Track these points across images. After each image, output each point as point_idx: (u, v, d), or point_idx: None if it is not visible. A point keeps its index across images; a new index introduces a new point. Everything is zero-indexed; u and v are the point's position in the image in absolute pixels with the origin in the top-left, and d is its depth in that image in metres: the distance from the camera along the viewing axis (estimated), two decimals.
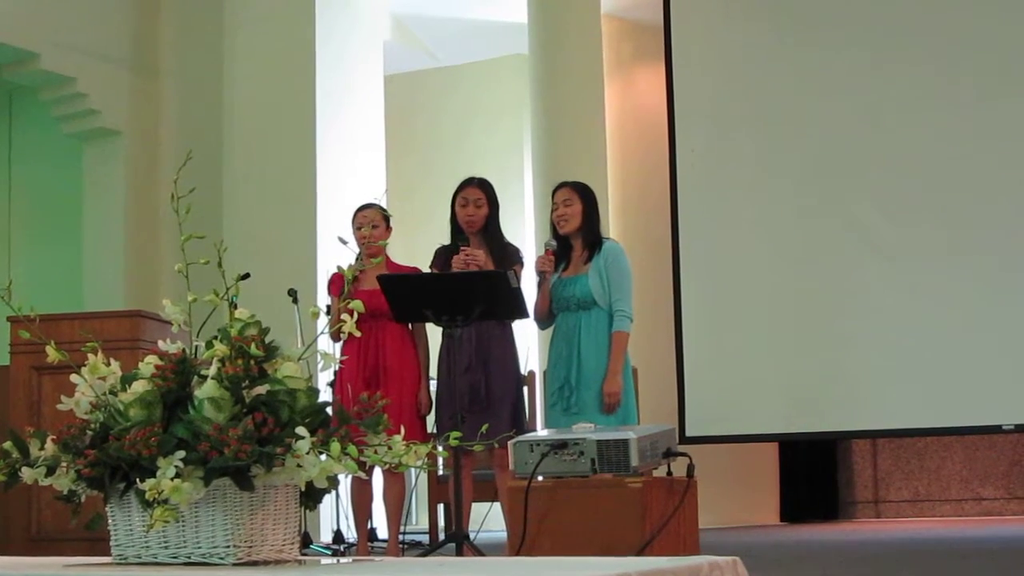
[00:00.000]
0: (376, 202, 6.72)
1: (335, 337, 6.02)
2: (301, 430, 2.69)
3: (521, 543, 4.68)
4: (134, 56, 10.08)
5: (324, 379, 7.28)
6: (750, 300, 8.39)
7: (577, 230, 6.30)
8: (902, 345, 7.97)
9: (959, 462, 10.67)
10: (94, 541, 3.66)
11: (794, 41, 8.50)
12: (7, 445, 2.89)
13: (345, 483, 6.54)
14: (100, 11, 9.83)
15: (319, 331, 3.17)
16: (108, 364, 2.89)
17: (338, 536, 8.09)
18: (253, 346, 2.78)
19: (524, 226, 10.26)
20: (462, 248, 6.31)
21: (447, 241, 6.51)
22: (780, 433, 8.88)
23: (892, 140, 8.12)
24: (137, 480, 2.67)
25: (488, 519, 7.05)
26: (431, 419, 6.43)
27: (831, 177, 8.26)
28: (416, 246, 8.01)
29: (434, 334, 6.29)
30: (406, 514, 6.97)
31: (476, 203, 6.44)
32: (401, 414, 6.05)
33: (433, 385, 6.52)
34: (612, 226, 9.46)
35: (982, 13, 8.00)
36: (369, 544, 6.85)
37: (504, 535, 6.37)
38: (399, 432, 2.82)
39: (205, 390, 2.74)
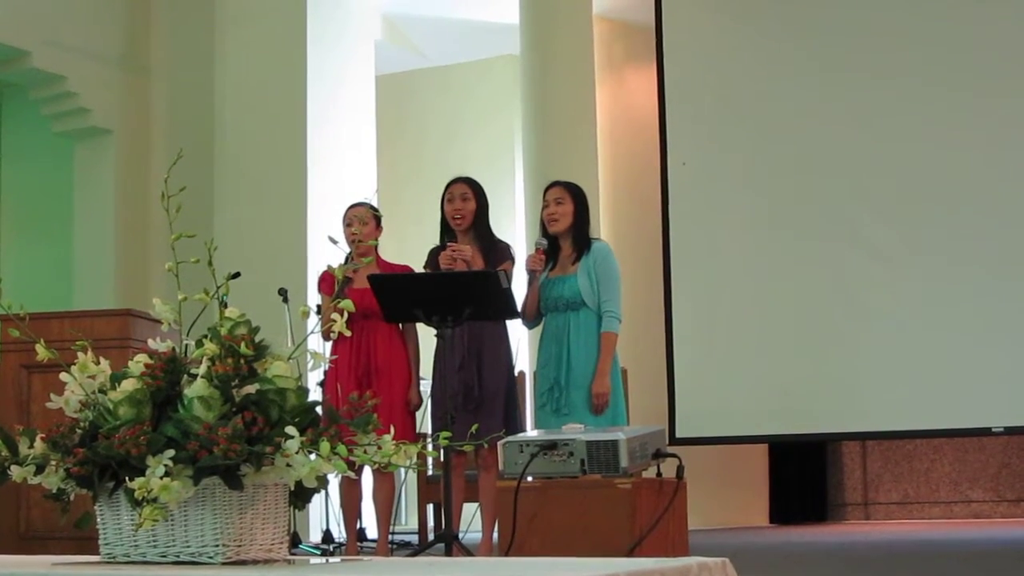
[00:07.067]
0: (367, 201, 6.72)
1: (326, 336, 6.02)
2: (291, 429, 2.69)
3: (510, 543, 4.68)
4: (125, 55, 10.07)
5: (314, 378, 7.28)
6: (741, 301, 8.39)
7: (567, 230, 6.31)
8: (892, 347, 7.98)
9: (949, 464, 10.69)
10: (83, 540, 3.65)
11: (785, 43, 8.50)
12: None
13: (334, 483, 6.54)
14: (92, 10, 9.82)
15: (309, 330, 3.16)
16: (98, 363, 2.88)
17: (327, 536, 8.09)
18: (243, 345, 2.78)
19: (514, 226, 10.27)
20: (449, 245, 6.32)
21: (438, 240, 6.51)
22: (770, 435, 8.89)
23: (886, 143, 8.13)
24: (126, 479, 2.67)
25: (477, 519, 7.05)
26: (425, 419, 6.44)
27: (823, 179, 8.26)
28: (407, 245, 8.01)
29: (428, 333, 6.29)
30: (395, 514, 6.97)
31: (462, 197, 6.45)
32: (391, 414, 6.05)
33: (427, 384, 6.53)
34: (602, 227, 9.47)
35: (979, 18, 8.01)
36: (358, 544, 6.85)
37: (478, 536, 6.39)
38: (389, 432, 2.82)
39: (195, 389, 2.74)
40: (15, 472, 2.85)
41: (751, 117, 8.51)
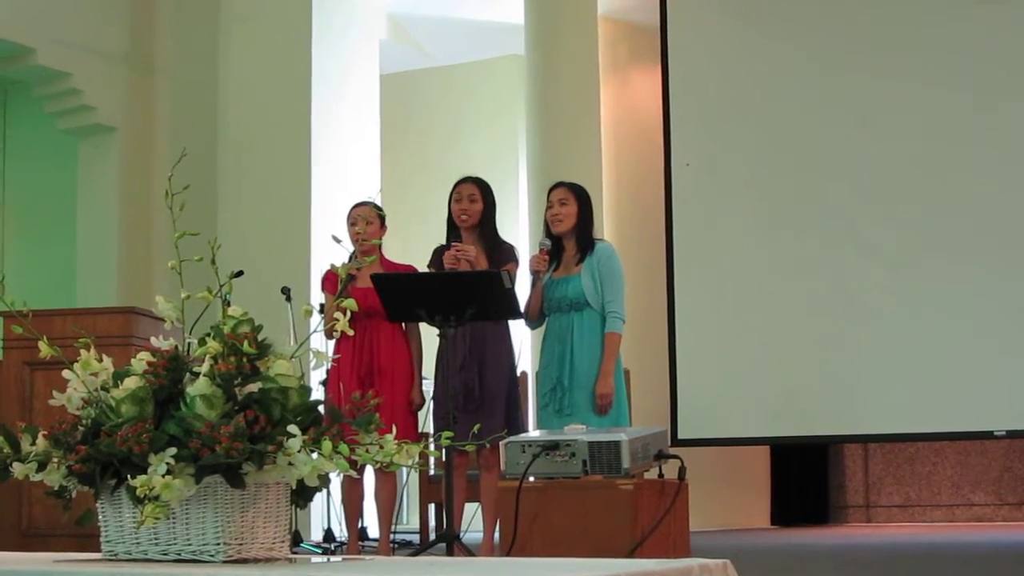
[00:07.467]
0: (371, 200, 6.72)
1: (329, 335, 6.03)
2: (293, 428, 2.69)
3: (512, 543, 4.68)
4: (130, 52, 10.07)
5: (317, 377, 7.28)
6: (744, 303, 8.39)
7: (571, 230, 6.31)
8: (895, 350, 7.97)
9: (950, 467, 10.68)
10: (84, 537, 3.65)
11: (790, 45, 8.51)
12: None
13: (336, 482, 6.54)
14: (96, 7, 9.82)
15: (312, 329, 3.16)
16: (100, 360, 2.89)
17: (329, 535, 8.08)
18: (246, 344, 2.78)
19: (518, 226, 10.26)
20: (453, 244, 6.32)
21: (444, 239, 6.51)
22: (772, 436, 8.88)
23: (889, 144, 8.13)
24: (128, 476, 2.67)
25: (478, 519, 7.06)
26: (427, 418, 6.44)
27: (827, 180, 8.27)
28: (411, 245, 8.01)
29: (431, 333, 6.29)
30: (397, 513, 6.97)
31: (470, 198, 6.45)
32: (393, 413, 6.05)
33: (429, 384, 6.53)
34: (606, 227, 9.46)
35: (980, 19, 8.01)
36: (360, 543, 6.85)
37: (480, 536, 6.39)
38: (391, 431, 2.82)
39: (197, 387, 2.74)
40: (17, 469, 2.85)
41: (755, 118, 8.51)
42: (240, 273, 4.50)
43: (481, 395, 6.25)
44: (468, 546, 5.92)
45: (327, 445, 2.68)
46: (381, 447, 2.78)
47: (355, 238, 6.44)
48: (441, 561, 3.48)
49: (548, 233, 6.36)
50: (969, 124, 7.97)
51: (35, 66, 9.44)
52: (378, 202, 6.80)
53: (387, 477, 6.42)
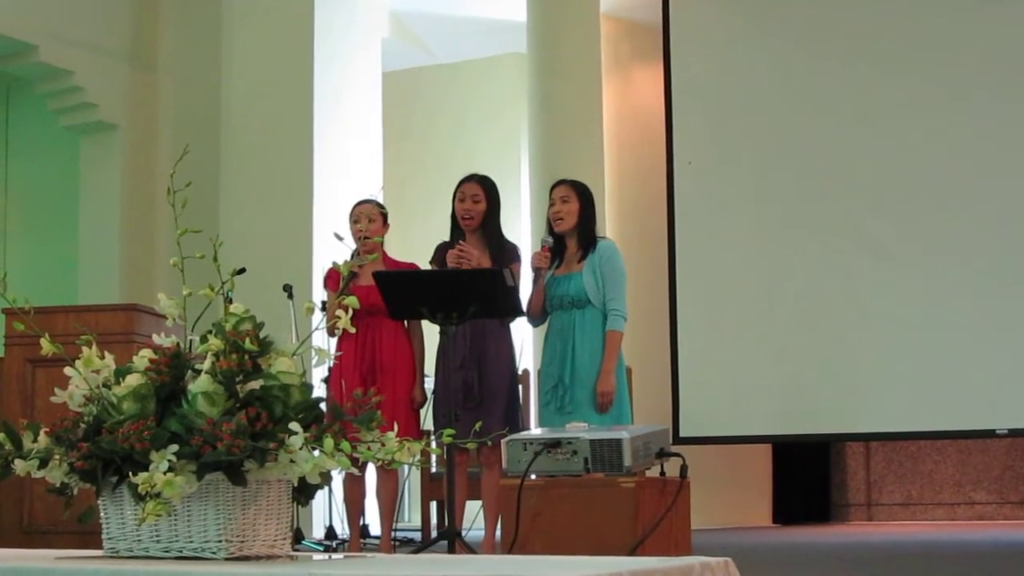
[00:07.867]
0: (373, 198, 6.72)
1: (331, 332, 6.03)
2: (294, 425, 2.69)
3: (513, 541, 4.68)
4: (132, 49, 10.07)
5: (318, 375, 7.29)
6: (745, 300, 8.39)
7: (573, 228, 6.31)
8: (896, 348, 7.97)
9: (952, 466, 10.68)
10: (86, 534, 3.65)
11: (792, 43, 8.50)
12: (0, 437, 2.88)
13: (338, 479, 6.54)
14: (99, 4, 9.82)
15: (314, 327, 3.16)
16: (102, 357, 2.89)
17: (331, 532, 8.09)
18: (247, 341, 2.78)
19: (520, 224, 10.26)
20: (457, 244, 6.32)
21: (446, 237, 6.51)
22: (774, 435, 8.89)
23: (892, 143, 8.13)
24: (130, 474, 2.67)
25: (480, 517, 7.06)
26: (429, 416, 6.44)
27: (828, 180, 8.26)
28: (413, 242, 8.01)
29: (433, 331, 6.29)
30: (398, 511, 6.97)
31: (473, 198, 6.44)
32: (395, 411, 6.05)
33: (430, 382, 6.53)
34: (608, 225, 9.46)
35: (981, 21, 8.00)
36: (362, 541, 6.85)
37: (481, 533, 6.39)
38: (393, 429, 2.82)
39: (199, 384, 2.74)
40: (19, 466, 2.85)
41: (757, 116, 8.51)
42: (242, 270, 4.50)
43: (481, 393, 6.25)
44: (469, 544, 5.92)
45: (329, 442, 2.68)
46: (383, 444, 2.78)
47: (357, 235, 6.44)
48: (442, 559, 3.49)
49: (550, 231, 6.36)
50: (970, 125, 7.96)
51: (37, 63, 9.44)
52: (380, 199, 6.80)
53: (388, 475, 6.42)
